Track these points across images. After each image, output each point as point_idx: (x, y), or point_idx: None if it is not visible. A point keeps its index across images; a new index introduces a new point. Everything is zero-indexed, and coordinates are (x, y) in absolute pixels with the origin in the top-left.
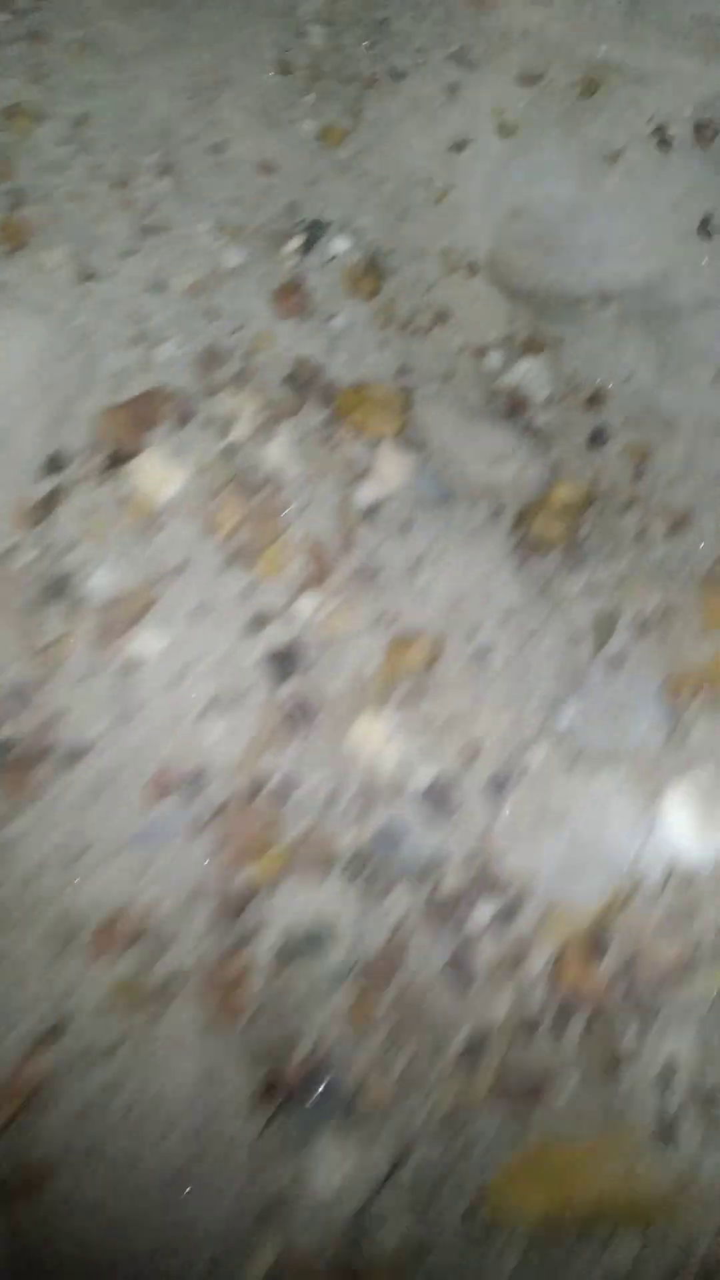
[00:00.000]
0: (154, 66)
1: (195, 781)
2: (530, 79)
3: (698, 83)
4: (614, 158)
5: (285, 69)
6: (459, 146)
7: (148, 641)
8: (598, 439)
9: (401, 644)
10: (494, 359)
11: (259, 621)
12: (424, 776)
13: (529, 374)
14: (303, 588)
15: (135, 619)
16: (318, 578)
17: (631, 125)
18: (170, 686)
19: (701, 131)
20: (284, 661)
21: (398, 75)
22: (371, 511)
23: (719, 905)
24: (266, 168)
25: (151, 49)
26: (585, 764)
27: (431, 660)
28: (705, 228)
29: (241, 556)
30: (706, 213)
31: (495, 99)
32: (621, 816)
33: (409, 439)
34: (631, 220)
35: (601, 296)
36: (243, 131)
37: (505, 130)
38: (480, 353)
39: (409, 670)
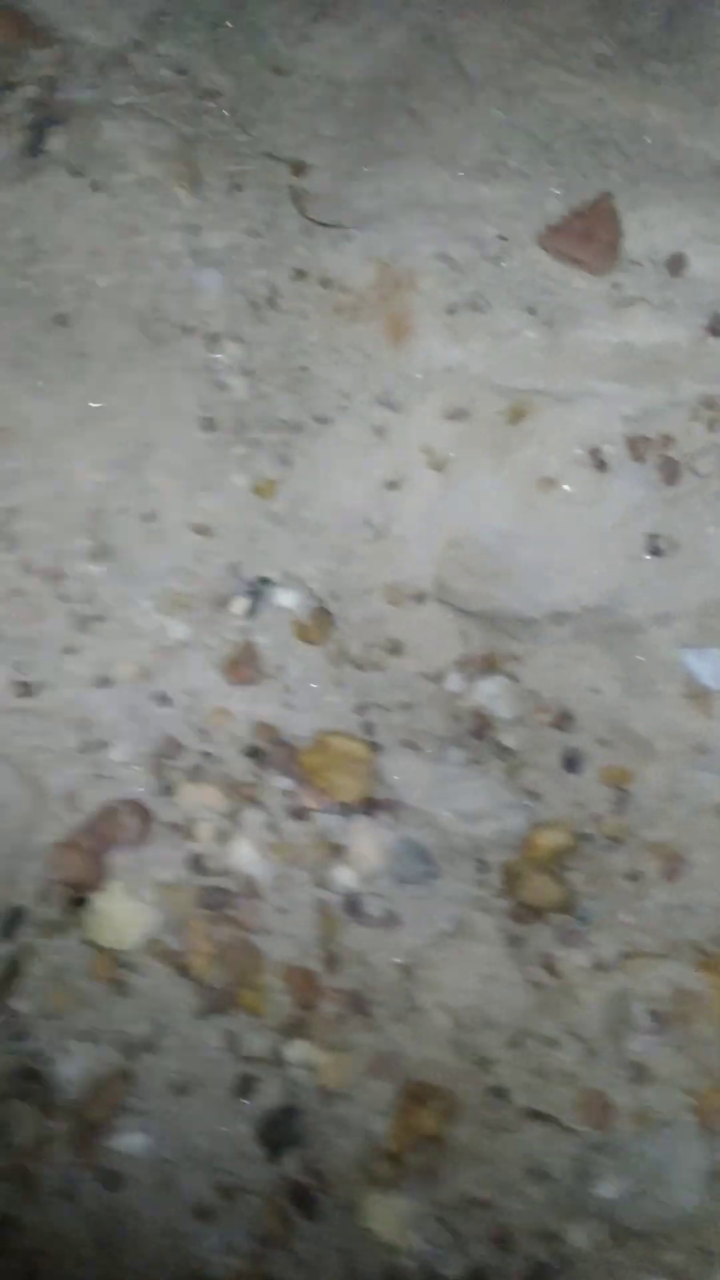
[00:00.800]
0: (75, 443)
1: None
2: (457, 414)
3: (624, 402)
4: (549, 483)
5: (210, 425)
6: (393, 485)
7: (129, 1140)
8: (572, 764)
9: (413, 1095)
10: (453, 681)
11: (246, 1084)
12: (451, 1267)
13: (491, 694)
14: (290, 1030)
15: (112, 1112)
16: (304, 1013)
17: (563, 449)
18: (158, 1192)
19: (635, 448)
20: (280, 1129)
21: (324, 420)
22: (352, 907)
23: None
24: (202, 530)
25: (70, 424)
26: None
27: (449, 1113)
28: (653, 545)
29: (219, 999)
30: (651, 530)
31: (423, 436)
32: None
33: (380, 800)
34: (576, 543)
35: (555, 616)
36: (174, 496)
37: (436, 465)
38: (438, 677)
39: (423, 1130)
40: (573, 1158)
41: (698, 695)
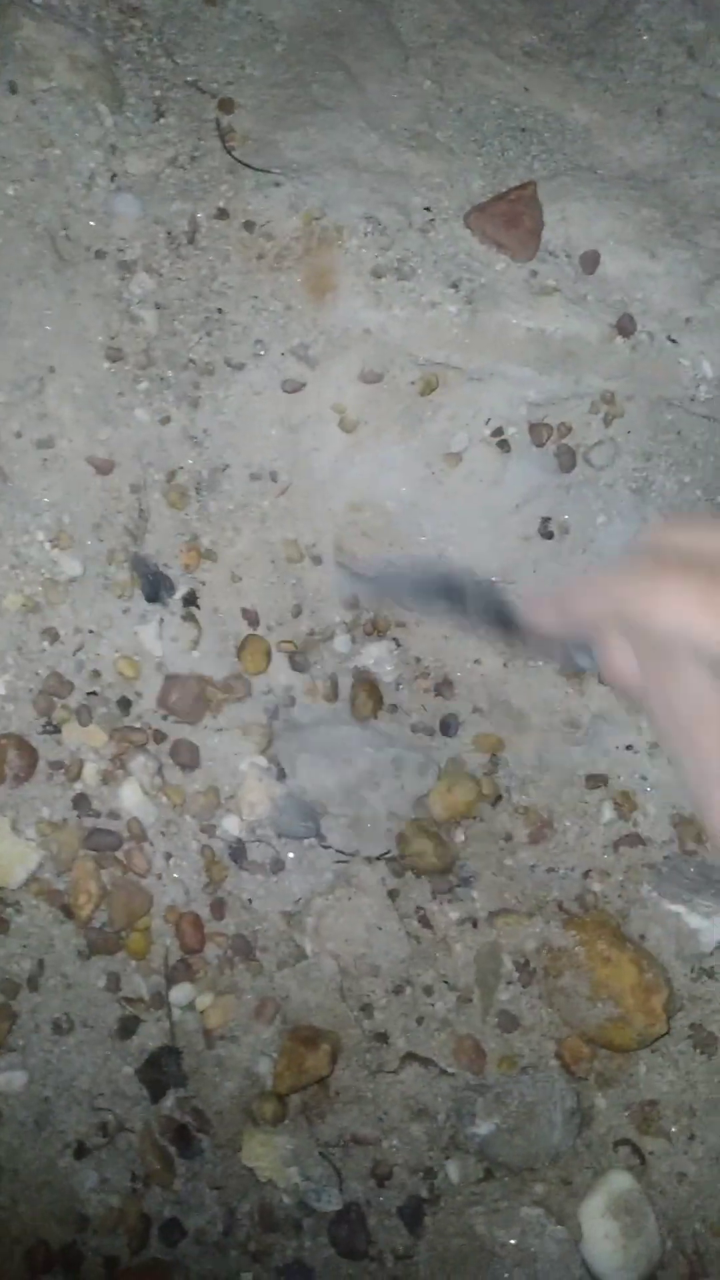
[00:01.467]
0: None
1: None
2: (372, 377)
3: (530, 387)
4: (455, 457)
5: (116, 355)
6: (300, 441)
7: (8, 1077)
8: (448, 729)
9: (298, 1038)
10: (340, 643)
11: (128, 1026)
12: (329, 1202)
13: (377, 658)
14: (174, 973)
15: None
16: (190, 957)
17: (470, 425)
18: (37, 1129)
19: (537, 434)
20: (162, 1070)
21: (236, 366)
22: (239, 854)
23: None
24: (100, 465)
25: None
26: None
27: (333, 1056)
28: (545, 528)
29: (104, 940)
30: (545, 514)
31: (336, 395)
32: None
33: (268, 751)
34: (474, 519)
35: None
36: (73, 425)
37: (347, 426)
38: (327, 637)
39: (307, 1072)
40: (449, 1098)
41: (573, 675)
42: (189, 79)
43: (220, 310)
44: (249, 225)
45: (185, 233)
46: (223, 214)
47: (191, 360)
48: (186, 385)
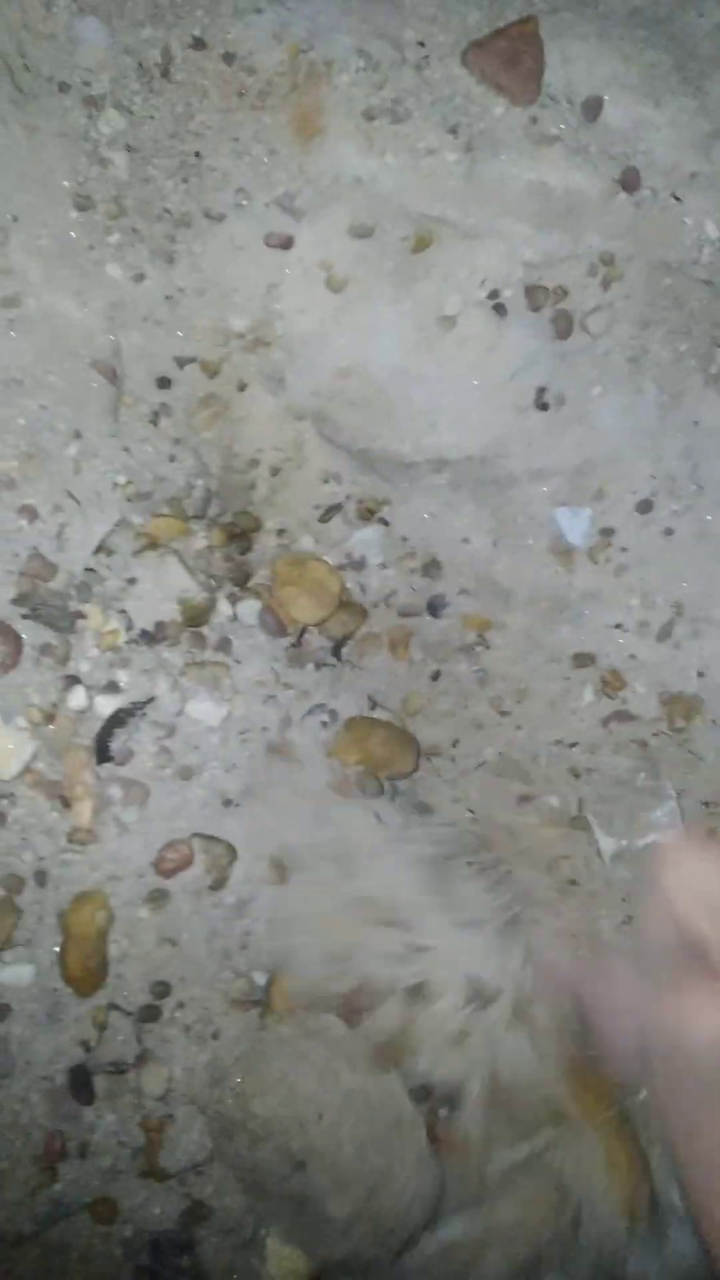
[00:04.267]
0: None
1: None
2: (362, 231)
3: (527, 246)
4: (449, 321)
5: (85, 204)
6: (283, 299)
7: (17, 972)
8: (435, 609)
9: None
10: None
11: None
12: None
13: (365, 540)
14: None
15: None
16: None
17: (464, 287)
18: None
19: (533, 297)
20: None
21: (215, 218)
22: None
23: None
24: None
25: None
26: None
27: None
28: (540, 399)
29: None
30: (540, 384)
31: (323, 251)
32: None
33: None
34: (467, 388)
35: (435, 463)
36: (40, 281)
37: (334, 285)
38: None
39: None
40: None
41: (562, 552)
42: None
43: (198, 154)
44: (228, 57)
45: (158, 65)
46: (199, 43)
47: (167, 210)
48: (161, 238)
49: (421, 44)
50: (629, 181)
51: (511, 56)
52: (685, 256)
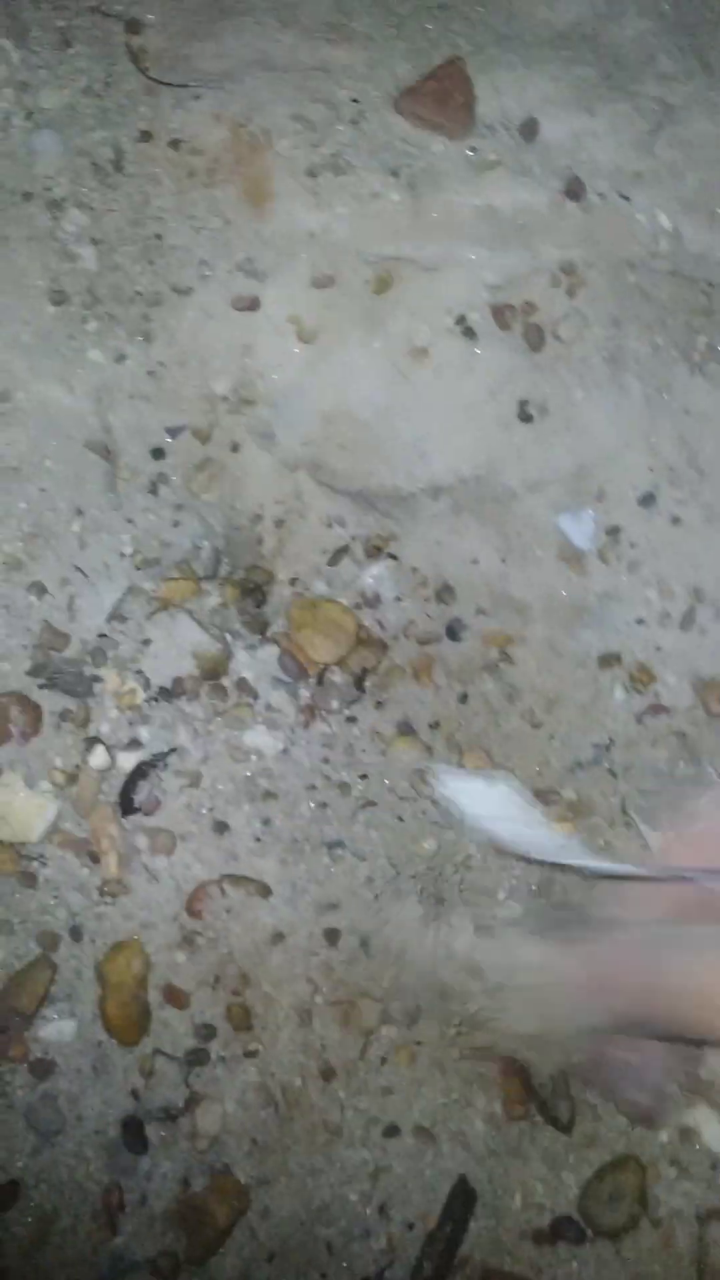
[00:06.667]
0: None
1: None
2: (323, 281)
3: (486, 269)
4: (421, 353)
5: (60, 298)
6: (259, 357)
7: (59, 1028)
8: (454, 633)
9: None
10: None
11: None
12: None
13: (377, 576)
14: None
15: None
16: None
17: (431, 317)
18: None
19: (501, 316)
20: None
21: (183, 291)
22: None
23: None
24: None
25: None
26: None
27: None
28: (523, 411)
29: None
30: (521, 397)
31: (290, 306)
32: None
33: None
34: (450, 413)
35: (432, 490)
36: (26, 374)
37: (306, 337)
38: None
39: None
40: None
41: (572, 557)
42: (91, 4)
43: (159, 236)
44: (175, 144)
45: (111, 161)
46: (146, 136)
47: (138, 292)
48: (136, 319)
49: (355, 100)
50: (574, 190)
51: (441, 96)
52: (644, 251)
